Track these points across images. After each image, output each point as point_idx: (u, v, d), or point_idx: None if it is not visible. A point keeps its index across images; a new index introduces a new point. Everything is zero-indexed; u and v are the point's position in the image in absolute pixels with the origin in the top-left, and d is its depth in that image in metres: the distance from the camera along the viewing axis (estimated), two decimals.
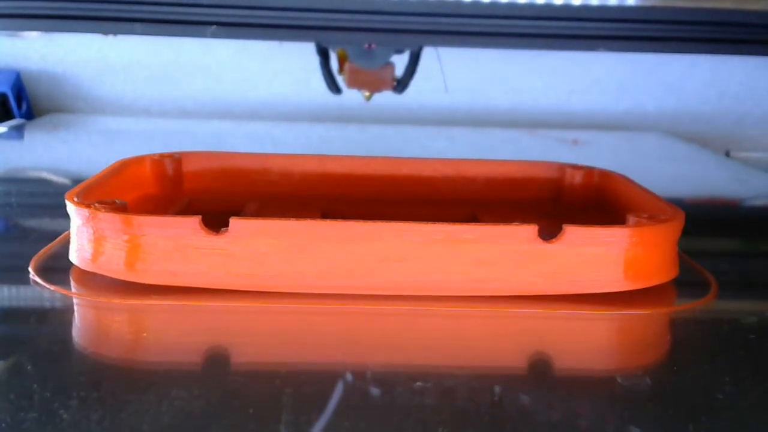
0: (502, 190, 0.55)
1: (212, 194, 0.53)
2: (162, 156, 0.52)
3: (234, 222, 0.37)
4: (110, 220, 0.38)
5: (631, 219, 0.40)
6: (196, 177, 0.53)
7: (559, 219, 0.39)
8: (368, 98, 0.88)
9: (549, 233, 0.38)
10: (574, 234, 0.38)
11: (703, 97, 1.07)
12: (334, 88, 0.89)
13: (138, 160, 0.51)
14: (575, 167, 0.54)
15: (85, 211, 0.38)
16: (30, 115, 1.02)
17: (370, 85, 0.86)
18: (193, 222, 0.37)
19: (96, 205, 0.39)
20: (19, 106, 0.99)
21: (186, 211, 0.48)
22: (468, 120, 1.07)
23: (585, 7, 0.79)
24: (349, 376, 0.31)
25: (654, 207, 0.43)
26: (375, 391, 0.30)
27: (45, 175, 0.70)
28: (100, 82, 1.04)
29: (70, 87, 1.04)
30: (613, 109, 1.07)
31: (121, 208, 0.39)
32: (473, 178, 0.55)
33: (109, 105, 1.05)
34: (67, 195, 0.40)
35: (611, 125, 1.08)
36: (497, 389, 0.31)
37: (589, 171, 0.54)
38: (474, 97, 1.07)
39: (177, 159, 0.52)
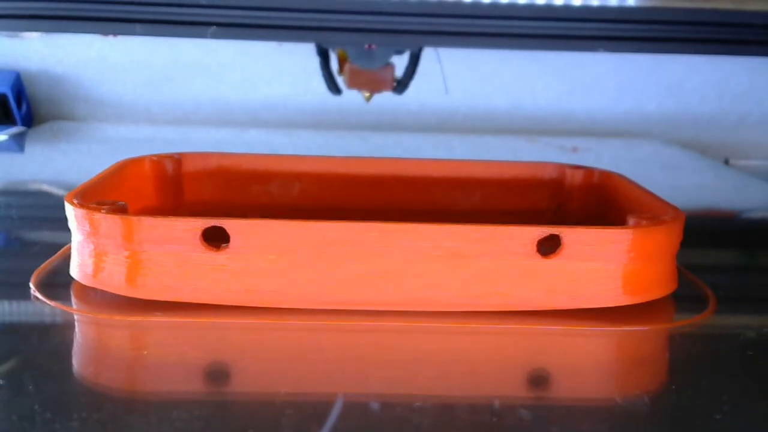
0: (502, 191, 0.55)
1: (212, 197, 0.53)
2: (161, 157, 0.52)
3: (234, 238, 0.37)
4: (109, 221, 0.38)
5: (631, 220, 0.40)
6: (196, 177, 0.53)
7: (559, 222, 0.39)
8: (368, 99, 0.88)
9: (548, 244, 0.38)
10: (573, 237, 0.38)
11: (702, 97, 1.07)
12: (334, 88, 0.89)
13: (137, 161, 0.51)
14: (575, 168, 0.54)
15: (84, 212, 0.38)
16: (30, 115, 1.02)
17: (370, 85, 0.86)
18: (194, 237, 0.37)
19: (94, 205, 0.38)
20: (19, 107, 0.98)
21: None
22: (468, 120, 1.07)
23: (585, 8, 0.79)
24: (348, 395, 0.32)
25: (654, 208, 0.43)
26: (374, 410, 0.30)
27: (45, 187, 0.70)
28: (100, 83, 1.04)
29: (70, 88, 1.04)
30: (613, 110, 1.07)
31: (120, 209, 0.38)
32: (473, 179, 0.55)
33: (109, 106, 1.05)
34: (66, 197, 0.40)
35: (611, 126, 1.08)
36: (496, 408, 0.31)
37: (589, 171, 0.54)
38: (474, 98, 1.07)
39: (177, 160, 0.52)
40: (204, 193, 0.53)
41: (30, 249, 0.50)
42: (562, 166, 0.55)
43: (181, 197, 0.52)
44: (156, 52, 1.02)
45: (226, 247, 0.38)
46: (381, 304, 0.39)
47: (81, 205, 0.38)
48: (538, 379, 0.35)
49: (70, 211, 0.39)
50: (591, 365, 0.37)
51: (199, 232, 0.37)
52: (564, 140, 0.99)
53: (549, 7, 0.79)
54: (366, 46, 0.81)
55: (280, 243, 0.38)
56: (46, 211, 0.59)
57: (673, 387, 0.35)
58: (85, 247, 0.39)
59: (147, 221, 0.37)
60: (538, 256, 0.38)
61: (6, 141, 0.89)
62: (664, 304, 0.42)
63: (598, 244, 0.38)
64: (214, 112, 1.05)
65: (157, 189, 0.51)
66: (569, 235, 0.38)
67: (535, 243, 0.38)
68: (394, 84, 0.86)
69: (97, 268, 0.39)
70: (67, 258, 0.42)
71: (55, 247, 0.46)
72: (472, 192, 0.55)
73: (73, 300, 0.40)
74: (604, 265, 0.39)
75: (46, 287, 0.41)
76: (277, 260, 0.38)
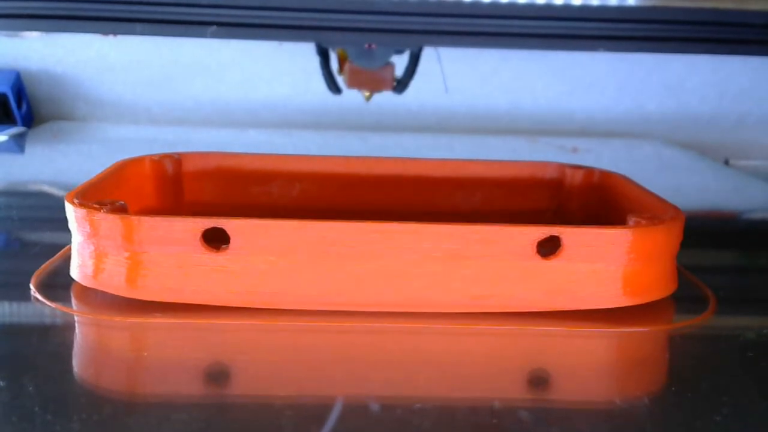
0: (502, 191, 0.55)
1: (212, 197, 0.53)
2: (161, 156, 0.52)
3: (234, 239, 0.37)
4: (110, 221, 0.38)
5: (631, 220, 0.40)
6: (196, 177, 0.53)
7: (559, 222, 0.39)
8: (368, 98, 0.88)
9: (548, 246, 0.38)
10: (573, 238, 0.38)
11: (702, 97, 1.07)
12: (334, 88, 0.89)
13: (137, 161, 0.50)
14: (575, 167, 0.54)
15: (84, 212, 0.38)
16: (30, 115, 1.02)
17: (370, 85, 0.86)
18: (194, 238, 0.37)
19: (95, 205, 0.38)
20: (19, 107, 0.98)
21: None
22: (468, 120, 1.07)
23: (585, 8, 0.79)
24: (348, 396, 0.32)
25: (654, 208, 0.43)
26: (374, 411, 0.31)
27: (46, 188, 0.70)
28: (100, 82, 1.04)
29: (70, 87, 1.04)
30: (613, 110, 1.07)
31: (120, 209, 0.38)
32: (473, 178, 0.55)
33: (110, 105, 1.05)
34: (66, 196, 0.40)
35: (611, 126, 1.08)
36: (496, 409, 0.31)
37: (589, 171, 0.54)
38: (474, 98, 1.07)
39: (177, 159, 0.52)
40: (204, 193, 0.53)
41: (30, 250, 0.50)
42: (562, 166, 0.55)
43: (181, 197, 0.52)
44: (156, 52, 1.02)
45: (227, 248, 0.38)
46: (381, 305, 0.39)
47: (81, 205, 0.38)
48: (538, 381, 0.35)
49: (71, 211, 0.39)
50: (591, 366, 0.37)
51: (199, 233, 0.37)
52: (564, 140, 0.99)
53: (549, 7, 0.79)
54: (366, 45, 0.81)
55: (281, 243, 0.38)
56: (46, 212, 0.59)
57: (673, 388, 0.35)
58: (86, 248, 0.39)
59: (147, 221, 0.37)
60: (538, 257, 0.38)
61: (6, 142, 0.89)
62: (664, 305, 0.42)
63: (598, 244, 0.38)
64: (214, 112, 1.05)
65: (157, 189, 0.51)
66: (569, 235, 0.38)
67: (535, 244, 0.38)
68: (394, 83, 0.86)
69: (98, 269, 0.39)
70: (67, 259, 0.42)
71: (55, 248, 0.46)
72: (473, 192, 0.55)
73: (74, 301, 0.40)
74: (604, 266, 0.39)
75: (46, 288, 0.41)
76: (278, 261, 0.38)
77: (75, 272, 0.40)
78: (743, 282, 0.50)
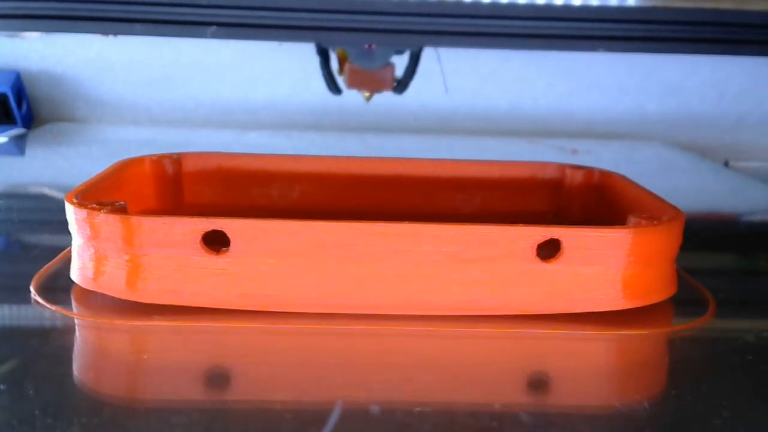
0: (503, 192, 0.55)
1: (213, 199, 0.53)
2: (161, 157, 0.52)
3: (235, 241, 0.37)
4: (110, 222, 0.38)
5: (631, 220, 0.40)
6: (196, 178, 0.53)
7: (559, 222, 0.39)
8: (368, 99, 0.88)
9: (548, 248, 0.38)
10: (573, 240, 0.38)
11: (702, 98, 1.07)
12: (334, 88, 0.89)
13: (137, 161, 0.51)
14: (575, 167, 0.54)
15: (84, 213, 0.38)
16: (30, 115, 1.02)
17: (370, 85, 0.86)
18: (194, 241, 0.37)
19: (95, 205, 0.38)
20: (19, 107, 0.99)
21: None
22: (468, 120, 1.07)
23: (585, 8, 0.79)
24: (348, 399, 0.32)
25: (654, 208, 0.43)
26: (374, 415, 0.31)
27: (46, 190, 0.70)
28: (99, 82, 1.04)
29: (70, 87, 1.04)
30: (613, 110, 1.07)
31: (120, 209, 0.38)
32: (474, 179, 0.55)
33: (109, 106, 1.05)
34: (66, 196, 0.40)
35: (611, 127, 1.08)
36: (496, 412, 0.31)
37: (589, 171, 0.54)
38: (474, 98, 1.07)
39: (176, 160, 0.52)
40: (204, 195, 0.53)
41: (30, 252, 0.50)
42: (562, 166, 0.55)
43: (181, 199, 0.52)
44: (156, 52, 1.02)
45: (227, 251, 0.38)
46: (380, 308, 0.39)
47: (81, 205, 0.38)
48: (538, 384, 0.35)
49: (70, 211, 0.39)
50: (590, 369, 0.37)
51: (199, 236, 0.37)
52: (564, 142, 0.99)
53: (549, 7, 0.79)
54: (366, 45, 0.81)
55: (281, 245, 0.38)
56: (46, 214, 0.59)
57: (673, 391, 0.35)
58: (86, 250, 0.39)
59: (147, 222, 0.37)
60: (538, 260, 0.38)
61: (6, 143, 0.89)
62: (663, 308, 0.42)
63: (597, 244, 0.38)
64: (214, 113, 1.05)
65: (157, 190, 0.51)
66: (569, 237, 0.38)
67: (535, 246, 0.38)
68: (394, 84, 0.86)
69: (98, 272, 0.39)
70: (67, 261, 0.42)
71: (55, 251, 0.46)
72: (473, 193, 0.55)
73: (74, 304, 0.40)
74: (603, 269, 0.39)
75: (46, 291, 0.41)
76: (278, 263, 0.38)
77: (75, 275, 0.40)
78: (743, 285, 0.50)
